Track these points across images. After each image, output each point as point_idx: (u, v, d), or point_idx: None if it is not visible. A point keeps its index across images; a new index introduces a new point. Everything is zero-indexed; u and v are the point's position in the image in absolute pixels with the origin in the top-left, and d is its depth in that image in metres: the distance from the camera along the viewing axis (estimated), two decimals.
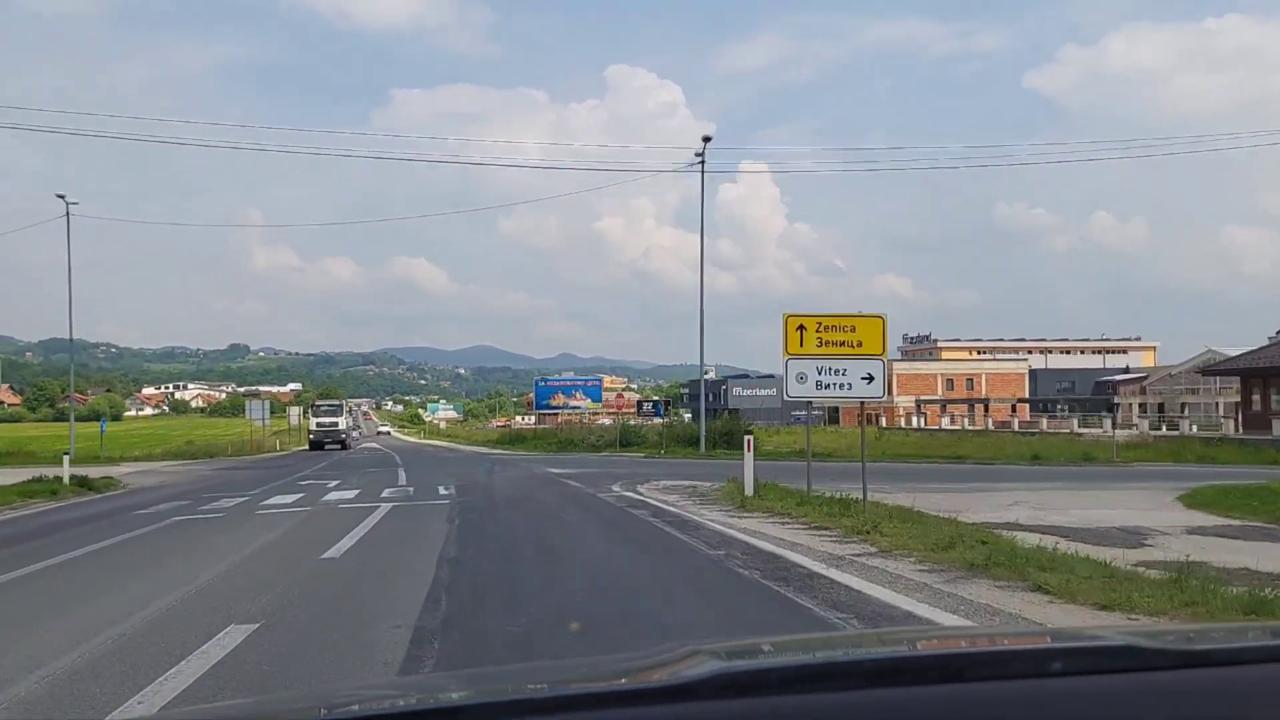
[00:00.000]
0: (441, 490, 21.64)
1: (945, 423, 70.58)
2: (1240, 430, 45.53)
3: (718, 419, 55.04)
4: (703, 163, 37.52)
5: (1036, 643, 1.85)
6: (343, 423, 56.16)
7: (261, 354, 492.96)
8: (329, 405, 60.48)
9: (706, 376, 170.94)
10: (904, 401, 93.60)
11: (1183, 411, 67.85)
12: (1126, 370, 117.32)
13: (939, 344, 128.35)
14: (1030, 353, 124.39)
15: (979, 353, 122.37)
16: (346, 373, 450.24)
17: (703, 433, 37.23)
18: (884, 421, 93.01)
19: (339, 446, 54.43)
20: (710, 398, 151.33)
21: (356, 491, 21.88)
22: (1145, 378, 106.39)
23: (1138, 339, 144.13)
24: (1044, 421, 56.96)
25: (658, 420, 67.24)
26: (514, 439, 68.37)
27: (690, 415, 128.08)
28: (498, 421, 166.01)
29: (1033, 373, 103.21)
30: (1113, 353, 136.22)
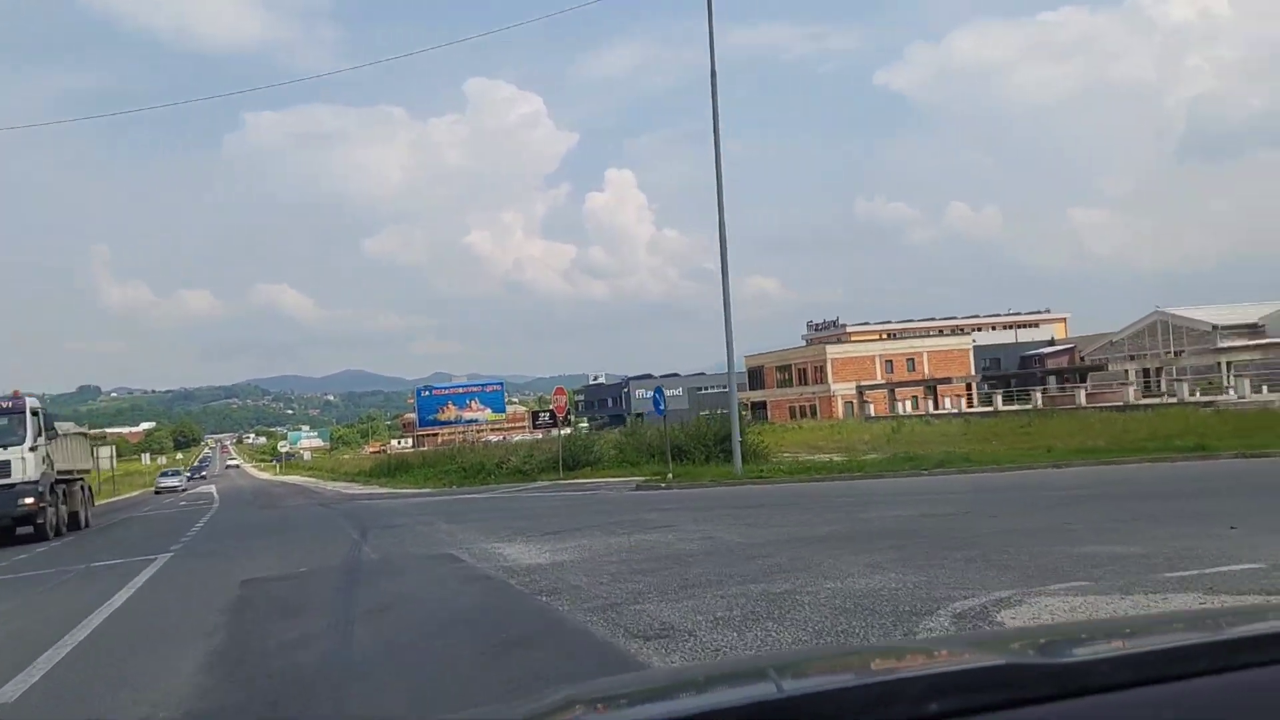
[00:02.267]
0: None
1: (907, 408, 59.49)
2: None
3: (632, 423, 42.30)
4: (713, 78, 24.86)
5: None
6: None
7: (114, 394, 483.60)
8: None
9: (597, 381, 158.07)
10: (842, 389, 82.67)
11: (1174, 375, 59.15)
12: (1051, 342, 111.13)
13: (847, 329, 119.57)
14: (941, 332, 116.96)
15: (889, 336, 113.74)
16: (207, 408, 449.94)
17: (736, 442, 24.12)
18: (819, 413, 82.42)
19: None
20: (608, 403, 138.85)
21: None
22: (1073, 348, 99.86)
23: (1047, 311, 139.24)
24: (1080, 394, 46.18)
25: (579, 429, 53.55)
26: (394, 468, 54.04)
27: (588, 425, 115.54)
28: (372, 447, 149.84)
29: (980, 348, 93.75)
30: (1024, 327, 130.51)
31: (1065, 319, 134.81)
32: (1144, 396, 42.66)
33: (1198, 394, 43.55)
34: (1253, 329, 76.03)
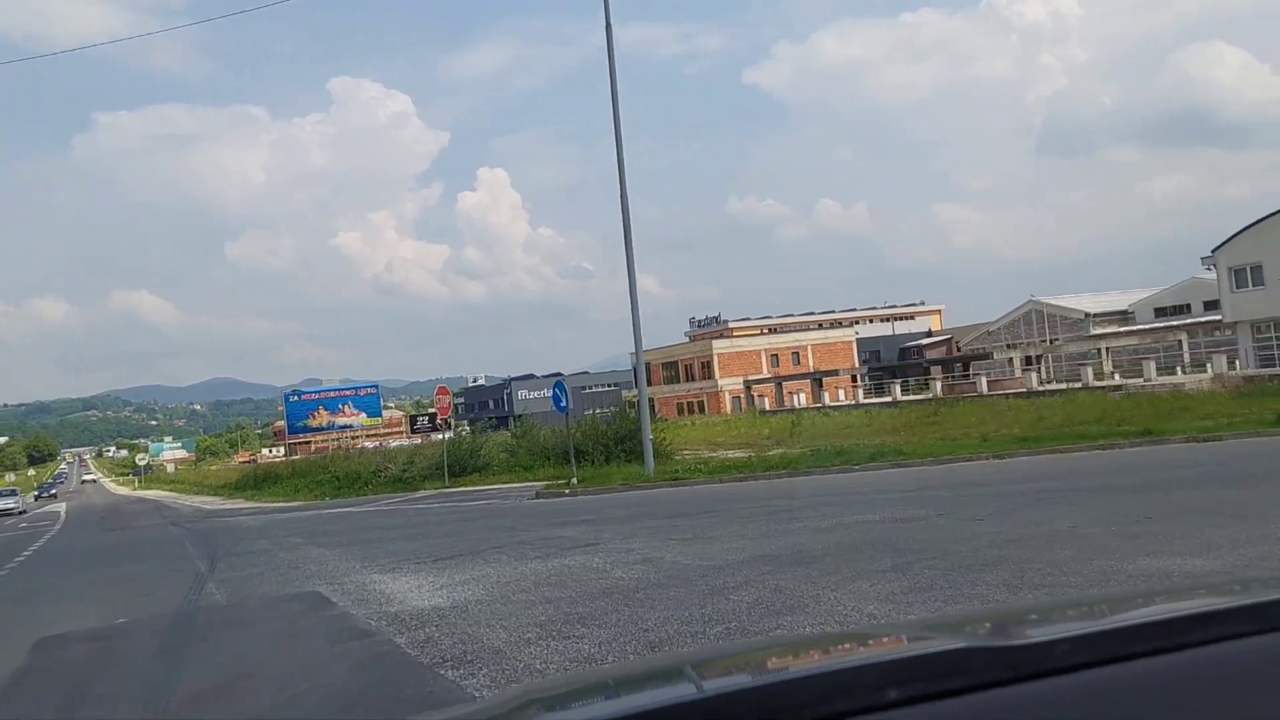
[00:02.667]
0: None
1: (801, 400, 58.16)
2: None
3: (519, 424, 39.73)
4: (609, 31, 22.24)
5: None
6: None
7: None
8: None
9: (477, 383, 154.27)
10: (730, 384, 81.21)
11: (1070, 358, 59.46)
12: (929, 334, 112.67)
13: (730, 325, 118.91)
14: (821, 325, 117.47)
15: (771, 330, 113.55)
16: (64, 421, 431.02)
17: (648, 440, 21.45)
18: (707, 409, 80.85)
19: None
20: (490, 405, 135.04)
21: None
22: (950, 338, 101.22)
23: (922, 303, 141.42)
24: (982, 382, 45.17)
25: (460, 433, 50.34)
26: (262, 479, 49.95)
27: (469, 428, 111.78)
28: (241, 457, 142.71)
29: (860, 340, 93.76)
30: (901, 319, 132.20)
31: (940, 310, 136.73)
32: (1049, 382, 42.03)
33: (1116, 376, 43.19)
34: (1123, 316, 77.77)
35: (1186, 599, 1.63)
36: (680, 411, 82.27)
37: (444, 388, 31.96)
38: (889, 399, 46.96)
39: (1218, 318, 63.94)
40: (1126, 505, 11.19)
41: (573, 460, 22.80)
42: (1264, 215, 52.21)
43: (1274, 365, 41.17)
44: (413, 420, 58.03)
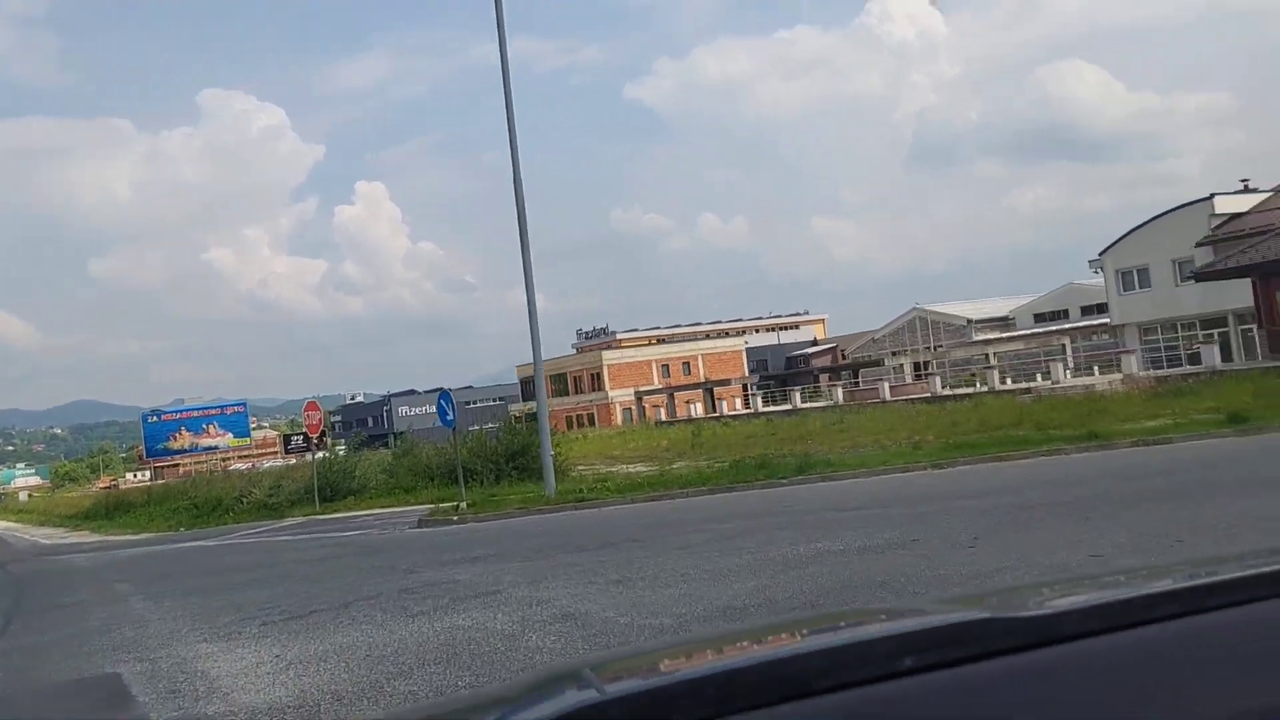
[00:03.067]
0: None
1: (696, 411, 56.37)
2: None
3: (403, 443, 36.93)
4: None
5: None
6: None
7: None
8: None
9: (355, 400, 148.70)
10: (620, 395, 79.09)
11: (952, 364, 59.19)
12: (814, 342, 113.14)
13: (617, 336, 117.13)
14: (709, 335, 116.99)
15: (659, 341, 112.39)
16: None
17: (549, 455, 18.73)
18: (598, 421, 78.59)
19: None
20: (369, 422, 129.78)
21: None
22: (835, 347, 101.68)
23: (806, 313, 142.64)
24: (884, 388, 43.75)
25: (336, 451, 46.65)
26: (114, 508, 45.53)
27: (345, 447, 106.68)
28: (103, 482, 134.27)
29: (749, 350, 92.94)
30: (786, 329, 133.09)
31: (824, 319, 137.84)
32: (956, 387, 41.03)
33: (1008, 380, 42.46)
34: (1004, 321, 78.81)
35: (1197, 569, 1.61)
36: (570, 425, 79.92)
37: (314, 403, 28.80)
38: (789, 407, 45.50)
39: (1097, 321, 64.88)
40: (1135, 523, 9.30)
41: (462, 481, 20.08)
42: (1149, 218, 52.75)
43: (1162, 366, 41.03)
44: (287, 440, 53.94)
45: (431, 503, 22.04)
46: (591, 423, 77.61)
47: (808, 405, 45.82)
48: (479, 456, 25.55)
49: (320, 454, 29.78)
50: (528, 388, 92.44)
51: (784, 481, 16.98)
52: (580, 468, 29.02)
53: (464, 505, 18.35)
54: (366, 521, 21.78)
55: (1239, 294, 44.89)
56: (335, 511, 26.09)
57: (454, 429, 20.32)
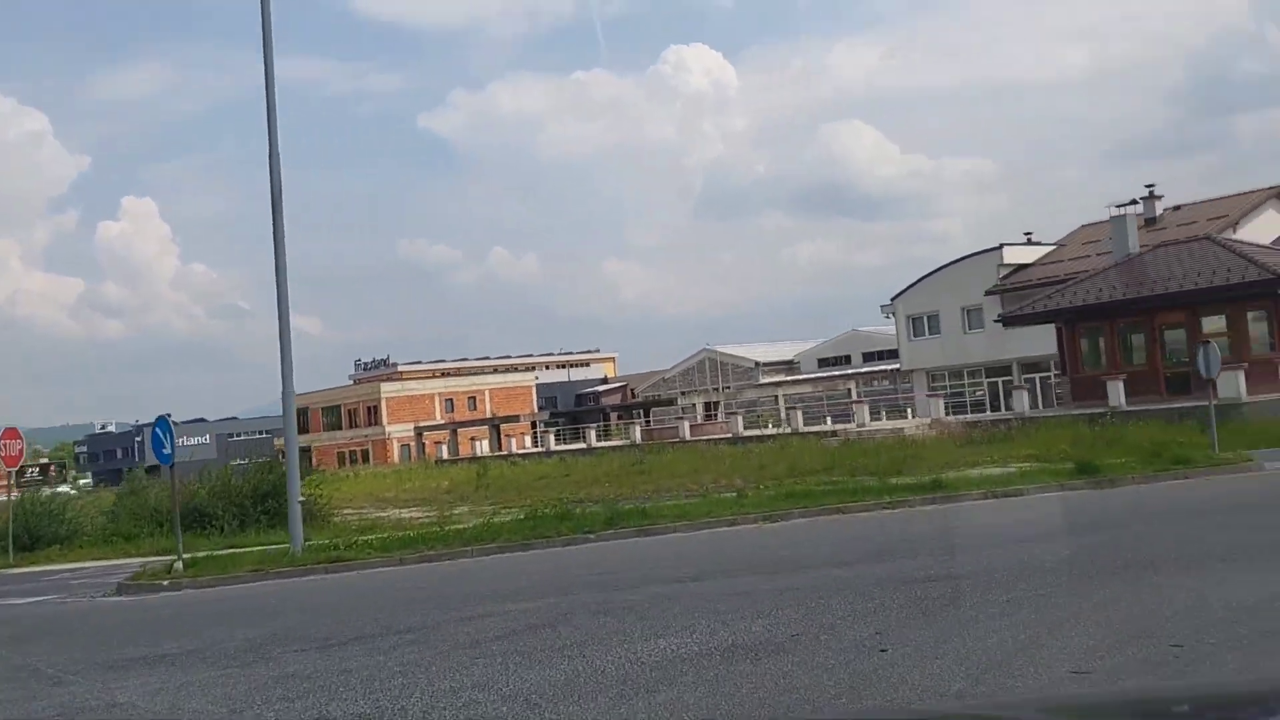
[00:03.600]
0: None
1: (482, 448, 52.75)
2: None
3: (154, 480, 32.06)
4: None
5: None
6: None
7: None
8: None
9: (104, 429, 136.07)
10: (399, 431, 74.22)
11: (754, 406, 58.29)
12: (605, 380, 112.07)
13: (399, 367, 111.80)
14: (497, 370, 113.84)
15: (443, 374, 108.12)
16: None
17: (296, 504, 14.72)
18: (373, 458, 73.38)
19: None
20: (117, 454, 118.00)
21: None
22: (625, 385, 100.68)
23: (597, 351, 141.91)
24: (685, 427, 41.33)
25: (80, 485, 40.27)
26: None
27: (91, 480, 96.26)
28: None
29: (539, 387, 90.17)
30: (576, 366, 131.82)
31: (614, 358, 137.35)
32: (763, 426, 39.41)
33: (828, 422, 41.20)
34: (789, 365, 79.90)
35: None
36: (343, 461, 74.38)
37: (13, 429, 23.36)
38: (583, 446, 42.74)
39: (888, 366, 65.86)
40: (1088, 610, 6.85)
41: (178, 533, 15.71)
42: (940, 265, 53.53)
43: (965, 412, 40.89)
44: (20, 474, 46.59)
45: (154, 555, 17.75)
46: (366, 459, 72.45)
47: (604, 444, 43.20)
48: (221, 499, 21.28)
49: (17, 494, 24.42)
50: (299, 420, 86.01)
51: (591, 536, 13.99)
52: (346, 512, 25.14)
53: (179, 565, 14.25)
54: (63, 580, 17.26)
55: (1023, 344, 45.77)
56: (33, 564, 21.12)
57: (171, 467, 16.02)
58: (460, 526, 16.19)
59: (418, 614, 9.35)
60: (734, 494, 17.21)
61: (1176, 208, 45.03)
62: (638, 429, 44.08)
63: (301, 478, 17.80)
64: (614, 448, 39.59)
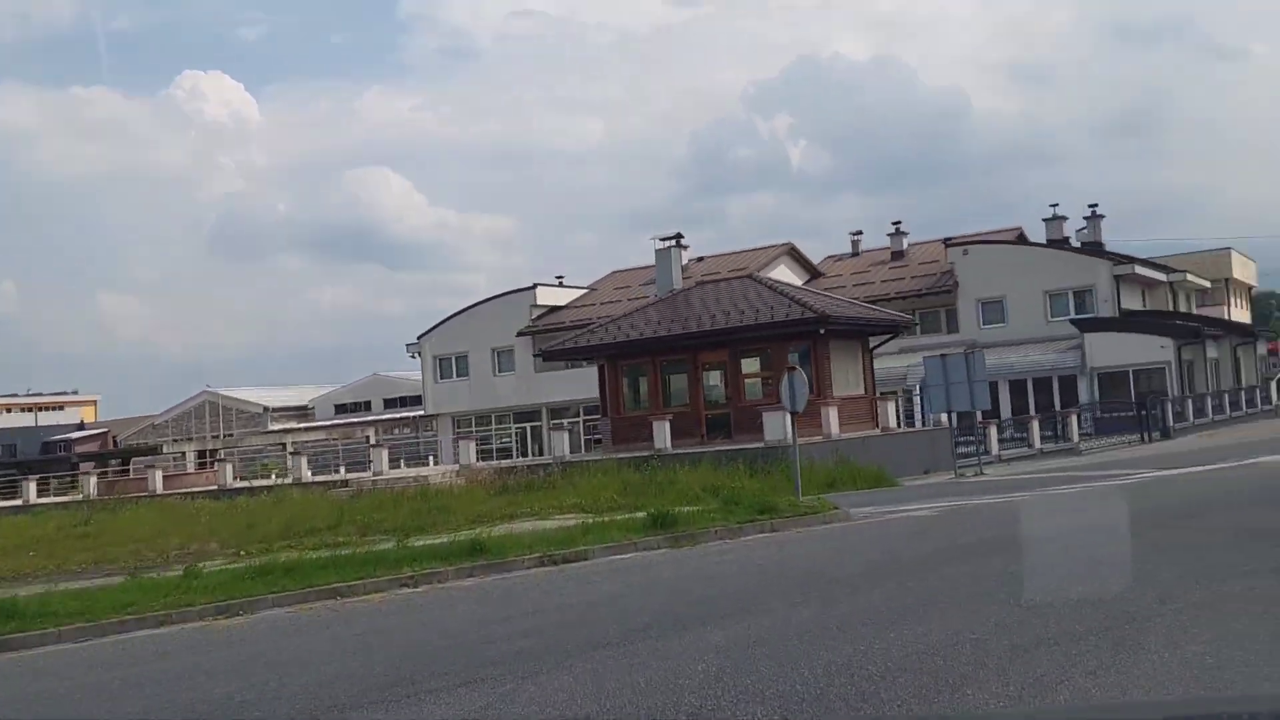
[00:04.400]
0: None
1: None
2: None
3: None
4: None
5: None
6: None
7: None
8: None
9: None
10: None
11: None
12: (81, 426, 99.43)
13: None
14: None
15: None
16: None
17: None
18: None
19: None
20: None
21: None
22: (107, 432, 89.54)
23: (75, 393, 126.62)
24: (156, 477, 32.73)
25: None
26: None
27: None
28: None
29: None
30: (46, 409, 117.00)
31: (96, 401, 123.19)
32: (252, 478, 32.74)
33: (341, 471, 35.33)
34: (302, 411, 75.12)
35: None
36: None
37: None
38: (19, 502, 33.33)
39: (413, 413, 61.90)
40: None
41: None
42: (470, 304, 50.33)
43: (491, 458, 37.42)
44: None
45: None
46: None
47: (47, 500, 34.09)
48: None
49: None
50: None
51: (92, 631, 7.80)
52: None
53: None
54: None
55: (556, 386, 44.02)
56: None
57: None
58: None
59: None
60: (184, 573, 11.37)
61: (700, 259, 45.88)
62: (93, 481, 35.39)
63: None
64: (61, 504, 31.19)
